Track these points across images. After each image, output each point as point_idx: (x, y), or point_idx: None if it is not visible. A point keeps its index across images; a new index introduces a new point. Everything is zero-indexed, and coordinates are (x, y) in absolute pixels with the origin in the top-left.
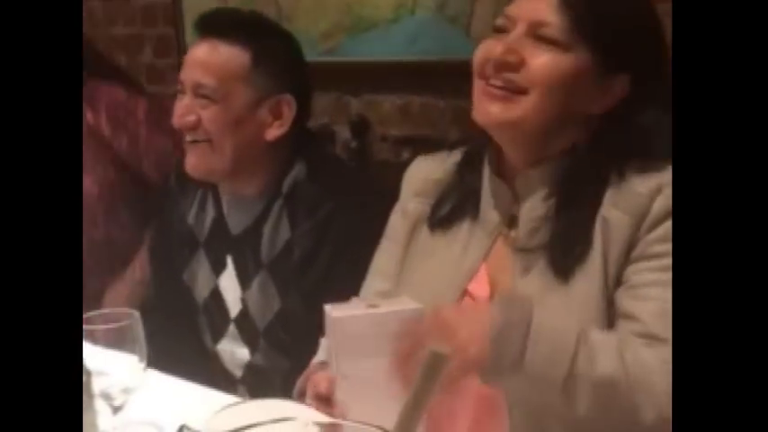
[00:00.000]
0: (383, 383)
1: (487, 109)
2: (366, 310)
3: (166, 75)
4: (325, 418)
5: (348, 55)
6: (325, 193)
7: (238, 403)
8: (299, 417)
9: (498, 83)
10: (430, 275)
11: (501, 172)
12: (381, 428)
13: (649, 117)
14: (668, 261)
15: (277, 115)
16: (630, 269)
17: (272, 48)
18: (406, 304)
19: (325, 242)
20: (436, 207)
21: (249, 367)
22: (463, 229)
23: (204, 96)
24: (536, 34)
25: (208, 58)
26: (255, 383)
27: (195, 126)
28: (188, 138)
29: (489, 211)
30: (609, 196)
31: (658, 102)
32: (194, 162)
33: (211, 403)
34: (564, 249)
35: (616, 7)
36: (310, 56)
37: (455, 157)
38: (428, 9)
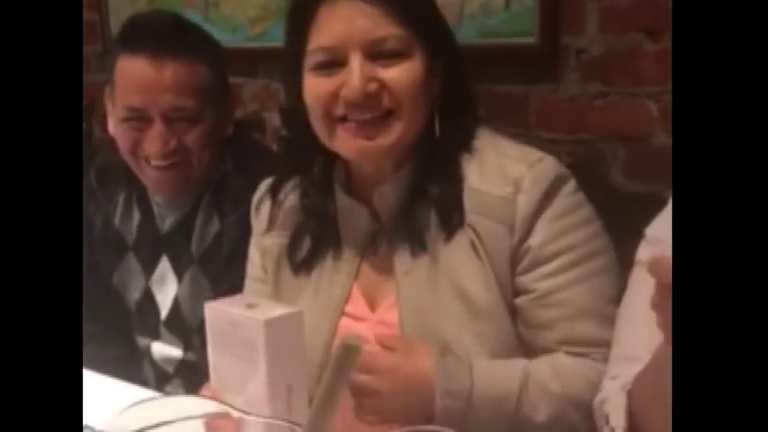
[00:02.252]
0: (243, 384)
1: (360, 144)
2: (235, 307)
3: (92, 62)
4: (234, 412)
5: (277, 40)
6: (250, 183)
7: (145, 401)
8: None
9: (367, 116)
10: (305, 310)
11: (353, 190)
12: (291, 422)
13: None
14: (564, 259)
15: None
16: (530, 277)
17: (213, 53)
18: (282, 309)
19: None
20: (292, 249)
21: (183, 363)
22: (327, 262)
23: (182, 119)
24: (377, 53)
25: (179, 80)
26: (189, 378)
27: (177, 152)
28: (162, 163)
29: (349, 234)
30: (467, 200)
31: (467, 76)
32: (170, 185)
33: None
34: (447, 259)
35: None
36: (239, 42)
37: (302, 181)
38: None
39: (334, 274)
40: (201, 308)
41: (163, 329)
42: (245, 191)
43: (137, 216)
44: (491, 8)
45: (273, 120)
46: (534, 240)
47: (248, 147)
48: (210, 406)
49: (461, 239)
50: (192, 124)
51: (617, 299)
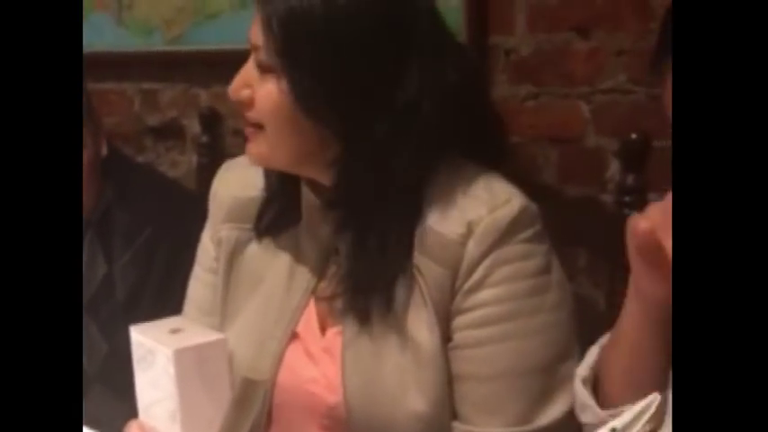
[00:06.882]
0: (163, 415)
1: (246, 147)
2: (156, 332)
3: None
4: None
5: (194, 44)
6: (140, 217)
7: None
8: None
9: (245, 119)
10: (256, 314)
11: (316, 188)
12: None
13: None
14: (488, 311)
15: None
16: (453, 325)
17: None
18: (204, 336)
19: (150, 273)
20: (260, 218)
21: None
22: (291, 243)
23: None
24: (257, 62)
25: None
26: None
27: None
28: None
29: (310, 239)
30: (420, 238)
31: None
32: None
33: None
34: (393, 302)
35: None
36: (155, 46)
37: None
38: None
39: (294, 276)
40: (97, 358)
41: None
42: (134, 227)
43: None
44: None
45: (193, 126)
46: (467, 285)
47: (129, 172)
48: None
49: (409, 283)
50: None
51: (547, 368)
